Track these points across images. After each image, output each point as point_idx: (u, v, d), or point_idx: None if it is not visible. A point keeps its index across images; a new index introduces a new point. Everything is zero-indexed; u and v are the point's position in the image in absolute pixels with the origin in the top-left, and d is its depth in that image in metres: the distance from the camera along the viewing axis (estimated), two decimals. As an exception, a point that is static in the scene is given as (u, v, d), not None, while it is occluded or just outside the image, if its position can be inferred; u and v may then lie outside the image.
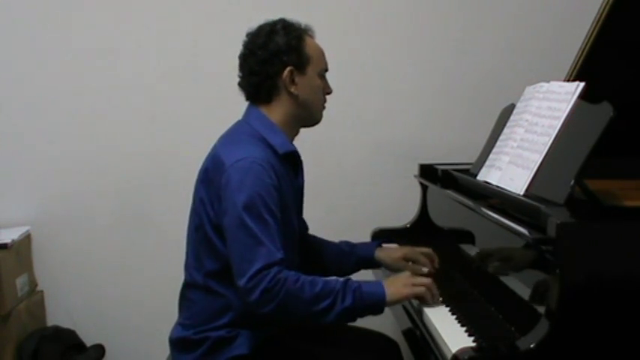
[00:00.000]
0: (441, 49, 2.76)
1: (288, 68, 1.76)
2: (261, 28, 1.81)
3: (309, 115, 1.84)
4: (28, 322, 2.57)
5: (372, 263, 2.06)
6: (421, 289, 1.71)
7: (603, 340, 1.34)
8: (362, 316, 1.69)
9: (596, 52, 1.86)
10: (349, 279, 1.69)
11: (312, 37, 1.85)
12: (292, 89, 1.77)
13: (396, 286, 1.70)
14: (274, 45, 1.76)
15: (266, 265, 1.59)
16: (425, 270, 1.92)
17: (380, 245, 2.11)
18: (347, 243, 2.10)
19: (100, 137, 2.71)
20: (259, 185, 1.64)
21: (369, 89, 2.76)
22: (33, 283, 2.68)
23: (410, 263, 1.98)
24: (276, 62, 1.76)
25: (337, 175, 2.77)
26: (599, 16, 1.84)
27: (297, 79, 1.77)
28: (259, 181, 1.64)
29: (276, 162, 1.73)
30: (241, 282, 1.59)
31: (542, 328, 1.32)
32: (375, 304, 1.67)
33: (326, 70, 1.86)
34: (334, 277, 1.71)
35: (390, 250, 2.08)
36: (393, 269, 2.04)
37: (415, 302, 1.77)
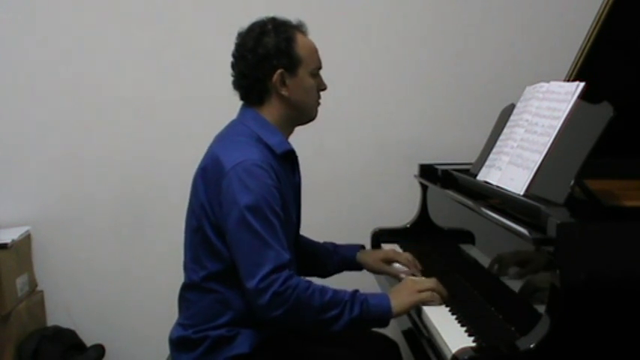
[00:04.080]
0: (442, 49, 2.75)
1: (279, 71, 1.72)
2: (251, 29, 1.77)
3: (301, 114, 1.82)
4: (28, 322, 2.57)
5: (354, 265, 2.07)
6: (427, 295, 1.70)
7: (603, 340, 1.34)
8: (367, 328, 1.70)
9: (596, 52, 1.86)
10: (357, 290, 1.68)
11: (304, 33, 1.80)
12: (283, 91, 1.74)
13: (401, 295, 1.69)
14: (263, 48, 1.72)
15: (276, 268, 1.58)
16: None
17: (363, 247, 2.12)
18: (331, 243, 2.10)
19: (100, 138, 2.71)
20: (262, 187, 1.63)
21: (370, 89, 2.76)
22: (33, 283, 2.68)
23: (392, 264, 2.01)
24: (266, 66, 1.72)
25: (337, 176, 2.77)
26: (599, 16, 1.84)
27: (287, 81, 1.74)
28: (261, 183, 1.64)
29: (275, 162, 1.72)
30: (251, 284, 1.58)
31: (542, 328, 1.32)
32: (381, 316, 1.66)
33: (319, 68, 1.82)
34: (343, 289, 1.68)
35: (372, 253, 2.10)
36: (374, 271, 2.07)
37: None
